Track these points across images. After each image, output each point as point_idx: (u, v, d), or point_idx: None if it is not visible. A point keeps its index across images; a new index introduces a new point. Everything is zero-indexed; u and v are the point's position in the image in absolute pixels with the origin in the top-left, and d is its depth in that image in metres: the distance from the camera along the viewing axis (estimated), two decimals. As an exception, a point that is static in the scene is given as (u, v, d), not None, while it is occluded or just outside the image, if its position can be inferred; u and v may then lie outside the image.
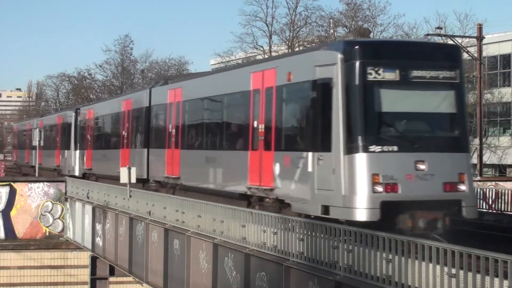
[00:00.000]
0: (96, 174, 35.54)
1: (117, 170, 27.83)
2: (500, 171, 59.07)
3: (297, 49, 50.32)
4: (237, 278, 16.96)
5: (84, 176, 37.31)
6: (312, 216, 15.42)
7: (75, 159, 39.49)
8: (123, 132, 30.58)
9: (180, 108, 24.42)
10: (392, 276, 11.60)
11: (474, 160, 40.24)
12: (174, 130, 24.70)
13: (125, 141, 30.15)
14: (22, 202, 35.62)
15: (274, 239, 15.44)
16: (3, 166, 57.92)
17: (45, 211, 35.77)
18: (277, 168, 17.47)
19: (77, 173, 38.67)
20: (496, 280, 9.58)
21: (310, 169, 15.83)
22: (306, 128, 16.71)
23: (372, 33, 50.31)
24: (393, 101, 15.64)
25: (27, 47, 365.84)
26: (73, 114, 40.88)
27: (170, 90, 25.61)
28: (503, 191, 27.43)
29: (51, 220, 35.83)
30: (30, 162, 53.05)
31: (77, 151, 39.22)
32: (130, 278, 27.33)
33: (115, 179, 28.97)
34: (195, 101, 23.53)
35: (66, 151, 41.55)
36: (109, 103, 36.89)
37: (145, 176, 27.17)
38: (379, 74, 15.25)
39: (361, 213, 14.64)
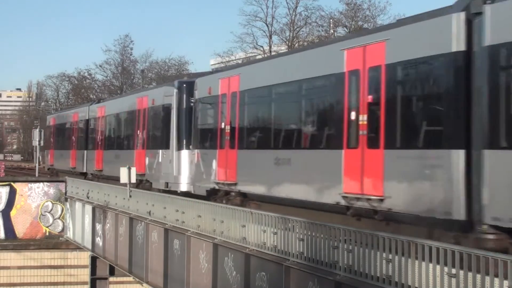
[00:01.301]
0: (251, 192, 20.23)
1: (337, 195, 15.66)
2: None
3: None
4: (237, 278, 16.95)
5: (215, 194, 22.06)
6: None
7: (179, 165, 25.11)
8: (354, 114, 15.39)
9: None
10: (392, 276, 11.57)
11: None
12: None
13: (363, 132, 15.01)
14: (22, 202, 35.68)
15: (274, 239, 15.40)
16: (3, 166, 57.78)
17: (45, 211, 35.82)
18: None
19: (184, 187, 24.70)
20: (496, 280, 9.57)
21: None
22: None
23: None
24: None
25: (27, 47, 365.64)
26: (175, 91, 25.76)
27: None
28: None
29: (51, 220, 35.88)
30: (79, 168, 39.79)
31: (184, 152, 25.03)
32: (130, 278, 27.33)
33: (328, 210, 16.23)
34: None
35: (160, 151, 26.75)
36: (287, 61, 19.40)
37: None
38: None
39: None
